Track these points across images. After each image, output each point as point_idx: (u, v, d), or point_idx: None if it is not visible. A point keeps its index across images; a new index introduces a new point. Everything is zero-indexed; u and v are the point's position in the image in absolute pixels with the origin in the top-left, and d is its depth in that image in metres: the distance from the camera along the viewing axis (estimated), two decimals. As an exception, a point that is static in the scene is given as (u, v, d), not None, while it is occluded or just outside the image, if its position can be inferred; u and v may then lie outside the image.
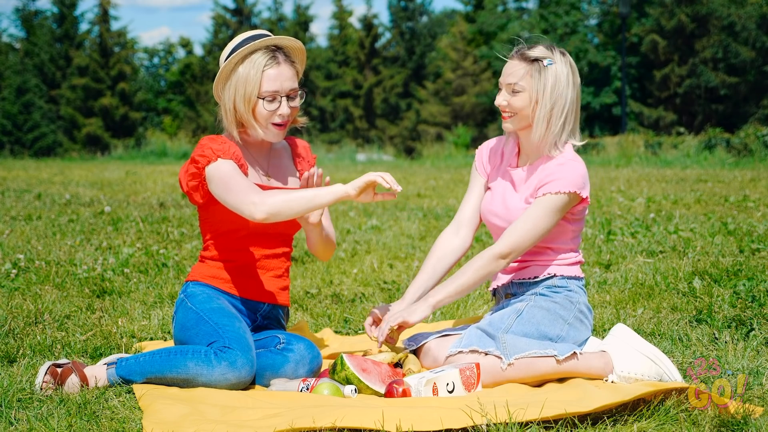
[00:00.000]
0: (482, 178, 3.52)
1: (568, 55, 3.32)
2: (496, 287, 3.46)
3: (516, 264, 3.39)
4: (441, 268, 3.48)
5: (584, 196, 3.28)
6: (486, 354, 3.13)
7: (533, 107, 3.28)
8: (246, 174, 3.28)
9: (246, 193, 3.12)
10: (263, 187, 3.31)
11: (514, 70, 3.29)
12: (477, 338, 3.19)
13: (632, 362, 3.04)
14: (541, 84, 3.25)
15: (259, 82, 3.21)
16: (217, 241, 3.36)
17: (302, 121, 3.42)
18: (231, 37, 42.17)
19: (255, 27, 42.64)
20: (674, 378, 3.02)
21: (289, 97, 3.26)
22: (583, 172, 3.28)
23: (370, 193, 3.10)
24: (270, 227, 3.34)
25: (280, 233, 3.40)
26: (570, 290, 3.32)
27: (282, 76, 3.23)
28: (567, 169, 3.26)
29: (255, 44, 3.24)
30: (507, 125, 3.34)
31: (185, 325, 3.25)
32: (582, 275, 3.39)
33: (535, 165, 3.35)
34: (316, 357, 3.28)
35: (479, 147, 3.59)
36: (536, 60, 3.27)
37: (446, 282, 3.32)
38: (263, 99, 3.23)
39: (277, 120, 3.26)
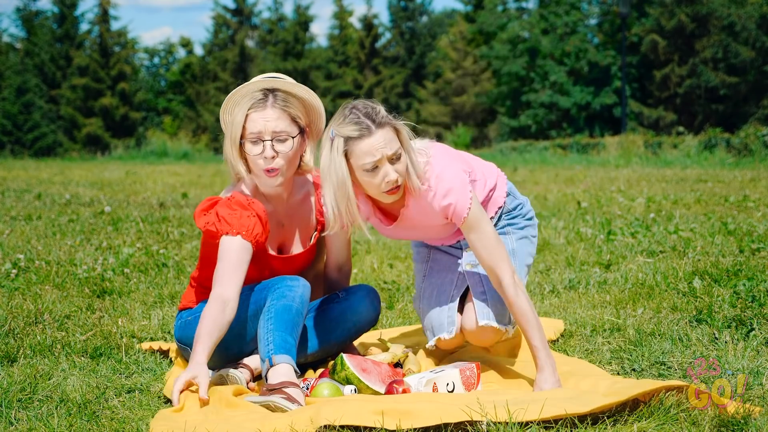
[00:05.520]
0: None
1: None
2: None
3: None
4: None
5: (490, 187, 3.32)
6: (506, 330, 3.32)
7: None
8: (263, 245, 3.20)
9: (219, 281, 3.05)
10: (271, 259, 3.28)
11: (387, 139, 3.01)
12: (500, 310, 3.30)
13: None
14: (406, 139, 3.08)
15: (243, 123, 3.14)
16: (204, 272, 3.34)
17: (310, 170, 3.30)
18: (231, 38, 42.22)
19: (255, 27, 42.64)
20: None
21: (275, 140, 3.15)
22: (459, 179, 3.12)
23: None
24: (284, 271, 3.34)
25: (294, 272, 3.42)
26: (523, 206, 3.49)
27: (266, 118, 3.13)
28: (453, 194, 3.11)
29: (250, 85, 3.20)
30: (396, 196, 3.10)
31: None
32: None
33: (413, 210, 3.18)
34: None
35: None
36: (391, 124, 3.05)
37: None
38: (248, 141, 3.14)
39: (261, 164, 3.15)
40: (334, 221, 3.09)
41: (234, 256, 3.07)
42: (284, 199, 3.31)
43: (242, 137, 3.15)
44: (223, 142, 3.21)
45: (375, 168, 3.01)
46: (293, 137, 3.18)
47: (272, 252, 3.31)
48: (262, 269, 3.30)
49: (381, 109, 3.06)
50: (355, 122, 3.01)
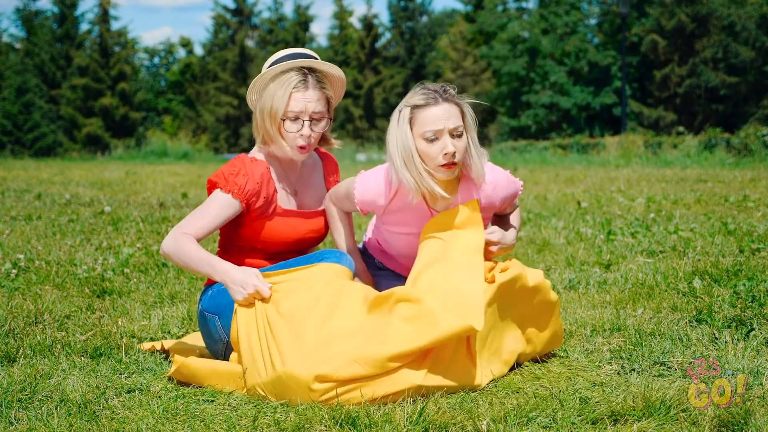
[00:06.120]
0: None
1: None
2: None
3: None
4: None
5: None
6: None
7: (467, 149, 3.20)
8: (272, 198, 3.34)
9: (183, 223, 3.25)
10: (287, 213, 3.39)
11: (451, 113, 3.14)
12: None
13: None
14: (470, 122, 3.19)
15: (286, 102, 3.30)
16: (233, 252, 3.43)
17: (335, 143, 3.52)
18: (231, 38, 42.25)
19: (255, 27, 42.60)
20: None
21: (313, 120, 3.33)
22: (504, 172, 3.38)
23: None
24: (290, 246, 3.43)
25: (299, 250, 3.49)
26: None
27: (307, 99, 3.31)
28: (506, 178, 3.37)
29: (288, 64, 3.33)
30: (451, 174, 3.19)
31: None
32: None
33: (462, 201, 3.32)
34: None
35: (362, 196, 3.35)
36: (458, 103, 3.18)
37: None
38: (288, 119, 3.31)
39: (300, 141, 3.33)
40: (416, 190, 3.18)
41: (214, 208, 3.27)
42: (298, 165, 3.48)
43: (283, 115, 3.33)
44: (254, 115, 3.39)
45: (435, 139, 3.13)
46: (328, 118, 3.40)
47: (290, 207, 3.43)
48: (282, 230, 3.39)
49: (451, 90, 3.19)
50: (423, 93, 3.16)
